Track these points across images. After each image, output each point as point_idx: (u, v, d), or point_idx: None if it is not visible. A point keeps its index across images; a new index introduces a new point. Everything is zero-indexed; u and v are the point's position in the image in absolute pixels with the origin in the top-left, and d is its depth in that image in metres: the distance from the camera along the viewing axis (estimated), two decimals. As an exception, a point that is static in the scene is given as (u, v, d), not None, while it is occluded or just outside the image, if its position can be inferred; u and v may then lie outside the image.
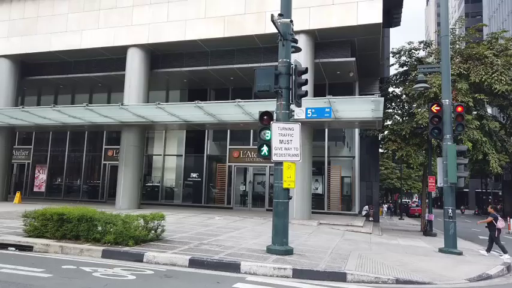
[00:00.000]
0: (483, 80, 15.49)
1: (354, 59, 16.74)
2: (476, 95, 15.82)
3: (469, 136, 15.24)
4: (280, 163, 8.26)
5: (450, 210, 10.40)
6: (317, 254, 8.40)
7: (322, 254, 8.51)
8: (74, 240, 8.38)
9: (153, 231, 8.97)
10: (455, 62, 16.69)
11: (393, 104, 20.18)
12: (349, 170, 20.49)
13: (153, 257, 7.29)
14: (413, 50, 19.02)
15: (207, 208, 20.25)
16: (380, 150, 32.95)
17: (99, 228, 8.32)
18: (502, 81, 15.07)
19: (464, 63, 16.57)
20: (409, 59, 19.16)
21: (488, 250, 11.11)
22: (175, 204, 21.70)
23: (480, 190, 60.00)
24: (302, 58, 15.80)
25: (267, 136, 8.43)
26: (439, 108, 10.67)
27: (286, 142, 8.30)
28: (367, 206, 19.60)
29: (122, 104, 15.40)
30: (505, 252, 10.52)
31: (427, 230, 16.61)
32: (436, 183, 16.28)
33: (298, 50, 9.28)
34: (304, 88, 8.65)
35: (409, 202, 47.32)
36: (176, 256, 7.29)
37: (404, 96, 19.05)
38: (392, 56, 19.94)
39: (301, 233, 12.28)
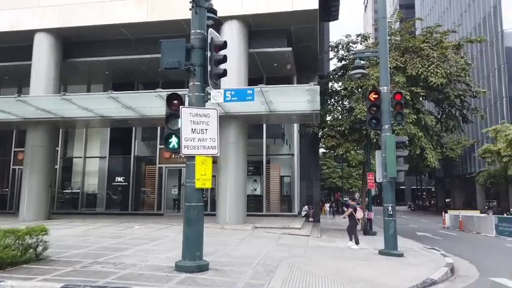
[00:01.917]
0: (419, 72, 15.16)
1: (290, 49, 15.64)
2: (413, 88, 15.46)
3: (405, 131, 14.79)
4: (192, 157, 6.67)
5: (390, 208, 9.48)
6: (239, 267, 6.91)
7: (246, 266, 7.03)
8: None
9: (31, 250, 6.94)
10: (392, 55, 16.27)
11: (333, 100, 19.51)
12: (288, 168, 19.41)
13: (10, 288, 5.34)
14: (351, 44, 18.46)
15: (134, 215, 18.01)
16: (322, 150, 32.61)
17: None
18: (438, 74, 14.79)
19: (402, 56, 16.21)
20: (347, 53, 18.57)
21: (357, 242, 11.05)
22: (98, 212, 19.17)
23: (415, 187, 63.02)
24: (235, 47, 14.48)
25: (177, 124, 6.80)
26: (377, 96, 9.75)
27: (201, 131, 6.73)
28: (306, 206, 18.62)
29: (19, 95, 12.88)
30: (357, 243, 10.94)
31: (366, 229, 15.93)
32: (375, 180, 15.68)
33: (218, 23, 7.75)
34: (223, 66, 7.14)
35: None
36: (44, 284, 5.40)
37: (343, 91, 18.42)
38: (331, 50, 19.28)
39: (232, 239, 10.78)
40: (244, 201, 14.44)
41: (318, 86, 11.16)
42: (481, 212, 27.69)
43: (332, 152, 19.81)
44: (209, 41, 6.92)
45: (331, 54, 19.26)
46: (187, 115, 6.63)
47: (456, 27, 20.48)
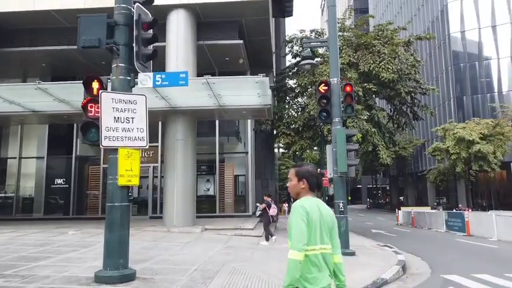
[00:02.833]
0: (371, 68, 15.08)
1: (241, 41, 14.98)
2: (366, 84, 15.35)
3: (359, 127, 14.63)
4: (115, 150, 5.78)
5: (341, 204, 9.04)
6: (173, 275, 6.09)
7: (181, 273, 6.22)
8: None
9: None
10: (345, 51, 16.12)
11: (288, 97, 19.14)
12: (243, 167, 18.71)
13: None
14: (305, 39, 18.12)
15: (76, 220, 16.50)
16: (281, 150, 32.22)
17: None
18: (389, 70, 14.79)
19: (355, 52, 16.09)
20: (301, 49, 18.23)
21: (267, 239, 10.88)
22: (36, 218, 17.42)
23: (371, 186, 64.72)
24: (183, 37, 13.62)
25: (97, 112, 5.87)
26: (327, 87, 9.29)
27: (126, 120, 5.85)
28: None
29: None
30: (267, 239, 10.78)
31: (322, 228, 15.57)
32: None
33: (149, 1, 6.90)
34: (151, 47, 6.30)
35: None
36: None
37: (297, 88, 18.08)
38: (285, 45, 18.90)
39: (176, 243, 9.90)
40: (193, 202, 13.57)
41: (267, 78, 10.56)
42: (432, 208, 28.54)
43: (287, 150, 19.45)
44: (136, 17, 6.06)
45: (286, 49, 18.89)
46: (108, 101, 5.73)
47: (406, 25, 20.80)
